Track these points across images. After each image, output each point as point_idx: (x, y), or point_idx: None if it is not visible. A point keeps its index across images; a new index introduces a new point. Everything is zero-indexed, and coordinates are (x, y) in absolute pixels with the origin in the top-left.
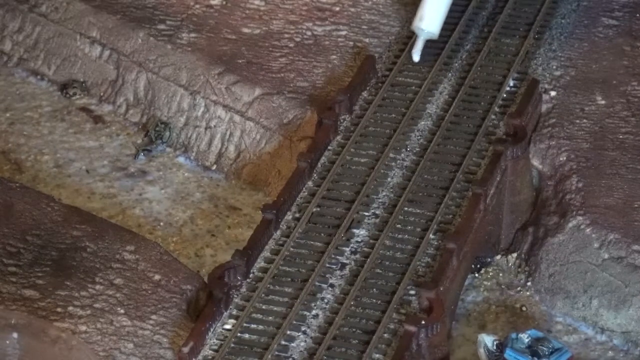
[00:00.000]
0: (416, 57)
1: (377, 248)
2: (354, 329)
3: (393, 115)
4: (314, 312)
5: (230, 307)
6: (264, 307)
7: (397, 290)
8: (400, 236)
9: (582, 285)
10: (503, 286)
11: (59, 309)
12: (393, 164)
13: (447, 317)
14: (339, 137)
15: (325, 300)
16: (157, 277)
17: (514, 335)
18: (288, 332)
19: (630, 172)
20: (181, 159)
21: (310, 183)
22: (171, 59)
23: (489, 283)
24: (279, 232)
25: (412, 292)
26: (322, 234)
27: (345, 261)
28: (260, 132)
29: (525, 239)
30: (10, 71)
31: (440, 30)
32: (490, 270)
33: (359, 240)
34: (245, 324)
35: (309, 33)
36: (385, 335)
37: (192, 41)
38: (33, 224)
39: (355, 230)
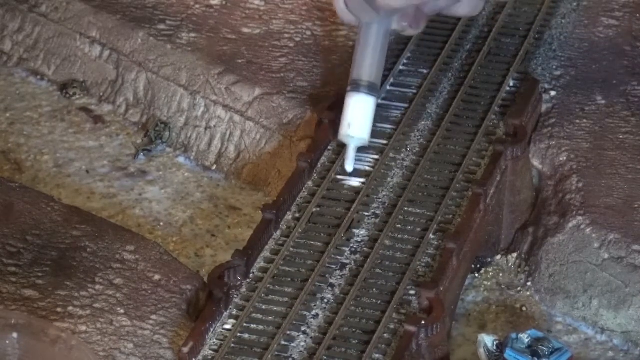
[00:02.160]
0: (349, 167)
1: (377, 248)
2: (354, 329)
3: (393, 115)
4: (314, 312)
5: (230, 307)
6: (264, 307)
7: (397, 290)
8: (400, 236)
9: (582, 285)
10: (503, 286)
11: (59, 309)
12: (393, 164)
13: (447, 317)
14: None
15: (325, 300)
16: (157, 277)
17: (514, 335)
18: (288, 332)
19: (630, 172)
20: (181, 159)
21: (310, 183)
22: (171, 59)
23: (489, 283)
24: (279, 232)
25: (412, 292)
26: (322, 234)
27: (345, 261)
28: (260, 132)
29: (525, 239)
30: (10, 71)
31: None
32: (490, 270)
33: (359, 240)
34: (245, 324)
35: (308, 33)
36: (385, 335)
37: (192, 41)
38: (33, 224)
39: (355, 230)
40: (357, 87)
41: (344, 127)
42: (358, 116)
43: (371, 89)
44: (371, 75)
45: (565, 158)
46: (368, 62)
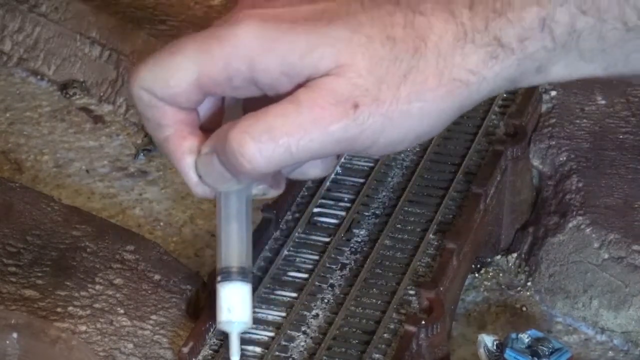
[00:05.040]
0: (236, 358)
1: (377, 248)
2: (354, 329)
3: None
4: (314, 312)
5: None
6: (264, 307)
7: (397, 290)
8: (400, 236)
9: (582, 285)
10: (503, 286)
11: (59, 309)
12: (393, 163)
13: (447, 317)
14: None
15: (325, 300)
16: (157, 277)
17: (514, 335)
18: (288, 332)
19: (630, 172)
20: None
21: (310, 183)
22: None
23: (489, 283)
24: (278, 232)
25: (412, 292)
26: (322, 234)
27: (345, 261)
28: None
29: (525, 239)
30: (10, 71)
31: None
32: (490, 270)
33: (359, 240)
34: None
35: None
36: (385, 335)
37: None
38: (33, 224)
39: (355, 230)
40: (228, 275)
41: (223, 313)
42: (236, 301)
43: (244, 275)
44: (241, 258)
45: (565, 158)
46: (235, 243)
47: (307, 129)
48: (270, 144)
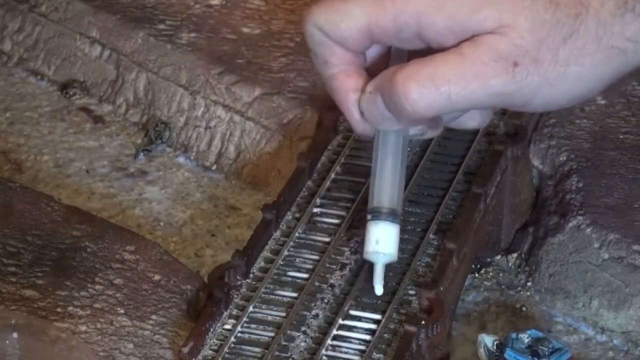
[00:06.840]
0: (380, 289)
1: None
2: (354, 329)
3: None
4: (314, 312)
5: (230, 307)
6: (264, 307)
7: (397, 290)
8: (400, 236)
9: (582, 285)
10: (503, 286)
11: (59, 309)
12: None
13: (447, 317)
14: (339, 137)
15: (325, 300)
16: (157, 277)
17: (514, 335)
18: (288, 332)
19: (630, 172)
20: (181, 159)
21: (310, 183)
22: (171, 59)
23: (489, 283)
24: (278, 232)
25: (412, 292)
26: (322, 234)
27: (345, 261)
28: (260, 132)
29: (525, 239)
30: (10, 71)
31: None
32: (490, 270)
33: (359, 240)
34: (245, 324)
35: None
36: (385, 335)
37: (192, 41)
38: (33, 224)
39: (355, 230)
40: (378, 215)
41: (371, 244)
42: (384, 235)
43: (394, 216)
44: (393, 198)
45: (565, 158)
46: (388, 182)
47: (468, 80)
48: (433, 89)
